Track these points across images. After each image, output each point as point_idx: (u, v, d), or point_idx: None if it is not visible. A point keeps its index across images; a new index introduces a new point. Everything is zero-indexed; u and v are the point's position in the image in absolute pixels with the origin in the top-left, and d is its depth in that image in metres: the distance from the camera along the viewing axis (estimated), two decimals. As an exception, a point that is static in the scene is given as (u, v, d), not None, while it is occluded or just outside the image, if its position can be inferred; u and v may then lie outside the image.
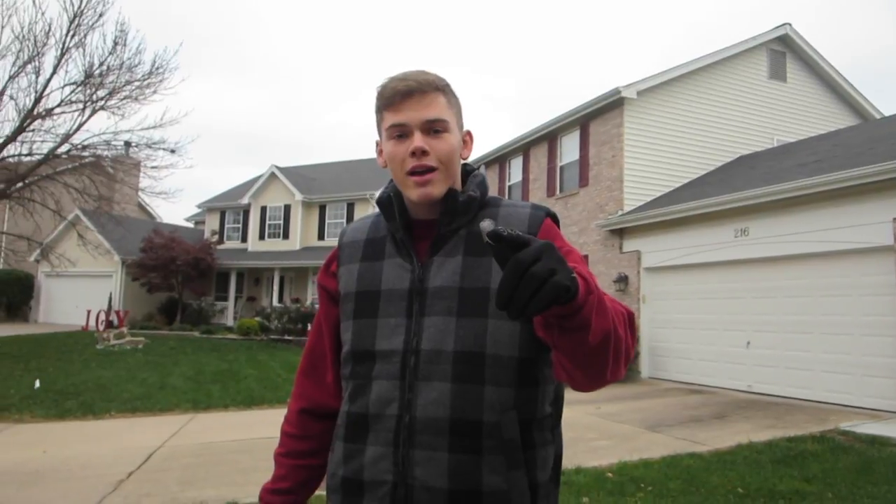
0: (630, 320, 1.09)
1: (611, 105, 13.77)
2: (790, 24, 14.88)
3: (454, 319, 1.20)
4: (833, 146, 11.60)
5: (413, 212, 1.30)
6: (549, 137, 16.12)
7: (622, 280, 12.94)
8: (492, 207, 1.32)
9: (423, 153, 1.22)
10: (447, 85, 1.29)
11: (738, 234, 10.65)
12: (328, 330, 1.38)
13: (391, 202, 1.30)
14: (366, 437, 1.22)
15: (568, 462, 5.59)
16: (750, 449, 6.25)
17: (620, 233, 13.32)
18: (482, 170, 1.42)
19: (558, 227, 1.33)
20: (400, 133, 1.24)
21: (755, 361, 10.28)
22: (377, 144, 1.35)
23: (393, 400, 1.20)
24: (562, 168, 15.79)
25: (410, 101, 1.22)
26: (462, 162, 1.33)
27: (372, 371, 1.23)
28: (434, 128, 1.23)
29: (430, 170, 1.23)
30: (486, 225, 0.87)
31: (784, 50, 15.22)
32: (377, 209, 1.38)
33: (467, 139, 1.35)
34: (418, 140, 1.22)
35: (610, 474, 5.37)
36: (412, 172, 1.23)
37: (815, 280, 9.44)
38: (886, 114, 14.92)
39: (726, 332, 10.83)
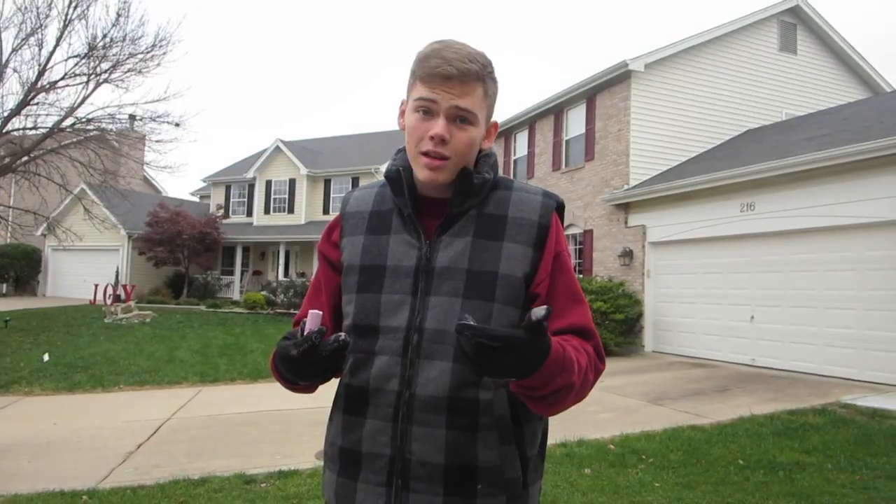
0: (596, 376, 1.22)
1: (618, 78, 13.61)
2: (801, -5, 14.62)
3: (460, 301, 1.20)
4: (842, 120, 11.47)
5: (422, 189, 1.29)
6: (554, 111, 15.98)
7: (627, 254, 12.93)
8: (503, 190, 1.31)
9: (442, 141, 1.20)
10: (490, 73, 1.25)
11: (744, 209, 10.60)
12: (328, 295, 1.38)
13: (400, 177, 1.28)
14: (365, 410, 1.24)
15: (570, 434, 5.66)
16: (751, 421, 6.30)
17: (626, 207, 13.27)
18: (494, 149, 1.38)
19: (563, 218, 1.34)
20: (426, 110, 1.22)
21: (759, 335, 10.31)
22: (402, 104, 1.32)
23: (394, 375, 1.21)
24: (567, 142, 15.68)
25: (447, 85, 1.19)
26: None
27: (374, 346, 1.24)
28: (461, 116, 1.21)
29: (444, 158, 1.21)
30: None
31: (795, 22, 14.97)
32: (383, 180, 1.36)
33: (492, 130, 1.33)
34: (440, 127, 1.20)
35: (612, 446, 5.44)
36: (426, 153, 1.22)
37: (821, 255, 9.41)
38: (897, 86, 14.73)
39: (730, 307, 10.84)
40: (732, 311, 10.79)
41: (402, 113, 1.31)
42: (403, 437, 1.19)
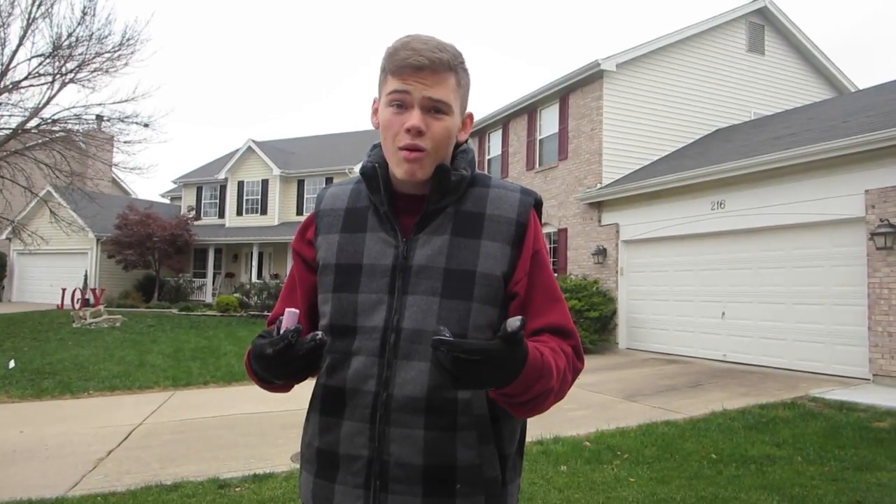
0: (574, 376, 1.22)
1: (590, 78, 13.72)
2: (769, -4, 14.91)
3: (437, 300, 1.19)
4: (808, 119, 11.71)
5: (398, 185, 1.27)
6: (528, 110, 16.06)
7: (600, 253, 13.05)
8: (480, 187, 1.29)
9: (419, 133, 1.18)
10: (461, 63, 1.24)
11: (715, 207, 10.76)
12: (303, 293, 1.35)
13: (376, 173, 1.26)
14: (342, 411, 1.22)
15: (546, 432, 5.68)
16: (723, 416, 6.40)
17: (599, 206, 13.39)
18: (470, 143, 1.34)
19: (541, 215, 1.33)
20: (400, 103, 1.20)
21: (730, 331, 10.47)
22: (374, 102, 1.30)
23: (371, 376, 1.19)
24: (541, 141, 15.77)
25: (419, 76, 1.18)
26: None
27: (351, 346, 1.22)
28: (436, 107, 1.19)
29: (422, 150, 1.19)
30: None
31: (763, 23, 15.24)
32: (358, 176, 1.34)
33: (467, 122, 1.31)
34: (416, 118, 1.18)
35: (587, 443, 5.48)
36: (403, 147, 1.19)
37: (789, 251, 9.60)
38: (861, 87, 15.07)
39: (702, 304, 11.00)
40: (704, 308, 10.95)
41: (375, 111, 1.28)
42: (381, 439, 1.18)
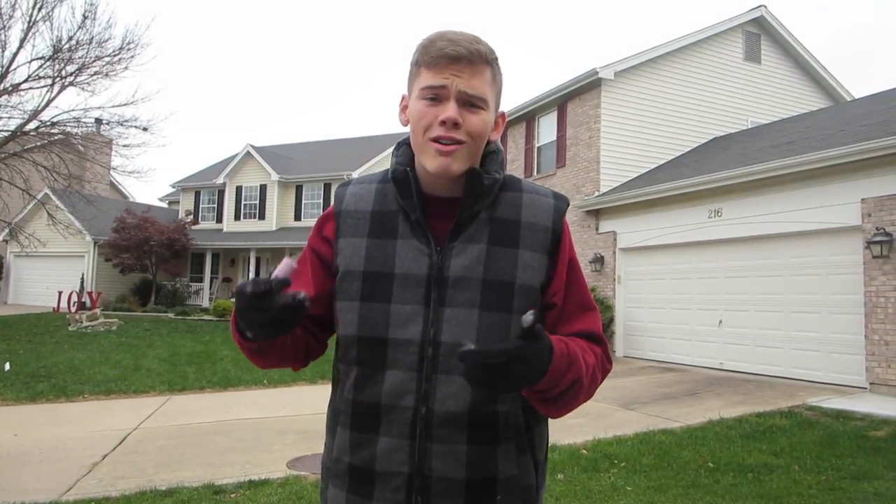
0: (604, 376, 1.23)
1: (588, 86, 13.78)
2: (765, 6, 14.98)
3: (476, 312, 1.16)
4: (805, 128, 11.76)
5: (427, 187, 1.22)
6: (526, 118, 16.10)
7: (598, 260, 13.06)
8: (513, 191, 1.25)
9: (455, 125, 1.14)
10: (496, 59, 1.20)
11: (712, 215, 10.79)
12: (314, 284, 1.26)
13: (408, 177, 1.21)
14: (377, 427, 1.17)
15: (543, 439, 5.66)
16: (721, 425, 6.39)
17: (597, 213, 13.41)
18: (500, 144, 1.30)
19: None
20: (434, 96, 1.15)
21: (727, 339, 10.48)
22: (402, 99, 1.26)
23: (409, 392, 1.15)
24: (539, 149, 15.80)
25: (455, 67, 1.14)
26: None
27: (384, 360, 1.17)
28: (472, 102, 1.15)
29: (457, 143, 1.14)
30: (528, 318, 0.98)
31: (759, 32, 15.33)
32: (380, 174, 1.30)
33: (499, 121, 1.28)
34: (452, 110, 1.13)
35: (584, 451, 5.46)
36: (437, 140, 1.15)
37: (786, 259, 9.62)
38: (857, 96, 15.13)
39: (699, 311, 11.01)
40: (701, 316, 10.96)
41: (404, 108, 1.25)
42: (422, 455, 1.15)
